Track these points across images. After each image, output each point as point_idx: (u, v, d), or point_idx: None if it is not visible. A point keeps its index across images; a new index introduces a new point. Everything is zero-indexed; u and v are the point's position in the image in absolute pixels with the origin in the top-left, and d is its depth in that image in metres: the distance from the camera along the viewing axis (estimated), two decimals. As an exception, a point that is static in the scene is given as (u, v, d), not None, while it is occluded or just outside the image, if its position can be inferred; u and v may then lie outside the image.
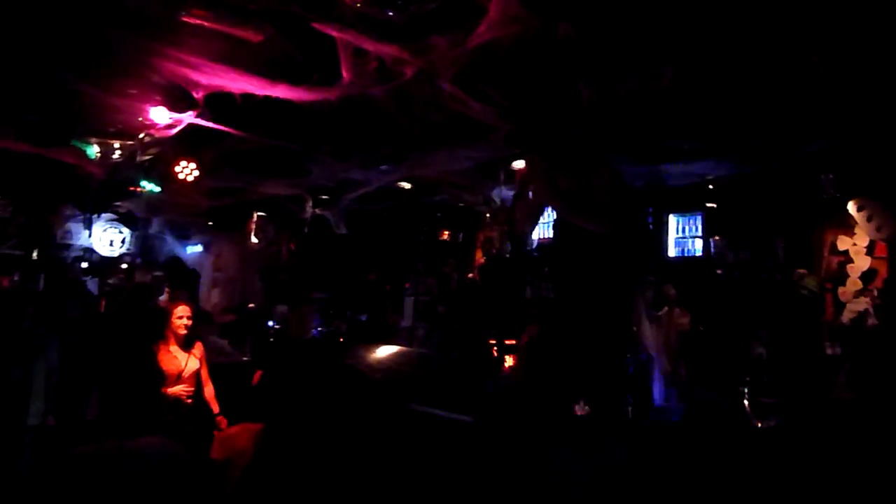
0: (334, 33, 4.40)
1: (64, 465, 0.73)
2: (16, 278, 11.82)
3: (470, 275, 9.93)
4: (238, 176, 7.73)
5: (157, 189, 7.24)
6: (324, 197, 8.88)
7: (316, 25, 4.28)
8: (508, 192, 8.41)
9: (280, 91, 5.09)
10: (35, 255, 10.72)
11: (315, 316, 8.64)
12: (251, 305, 10.10)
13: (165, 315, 4.91)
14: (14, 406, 4.82)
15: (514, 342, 8.15)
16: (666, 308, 7.65)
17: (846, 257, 7.30)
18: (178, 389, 4.73)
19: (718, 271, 7.84)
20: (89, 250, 11.99)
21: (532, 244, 9.33)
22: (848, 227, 7.21)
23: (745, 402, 5.30)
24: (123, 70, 5.08)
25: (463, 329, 8.11)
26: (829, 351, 6.65)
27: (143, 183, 7.19)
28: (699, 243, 8.53)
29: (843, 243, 7.30)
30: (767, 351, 6.58)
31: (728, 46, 4.45)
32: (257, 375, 5.53)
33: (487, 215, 9.54)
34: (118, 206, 10.39)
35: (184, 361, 4.81)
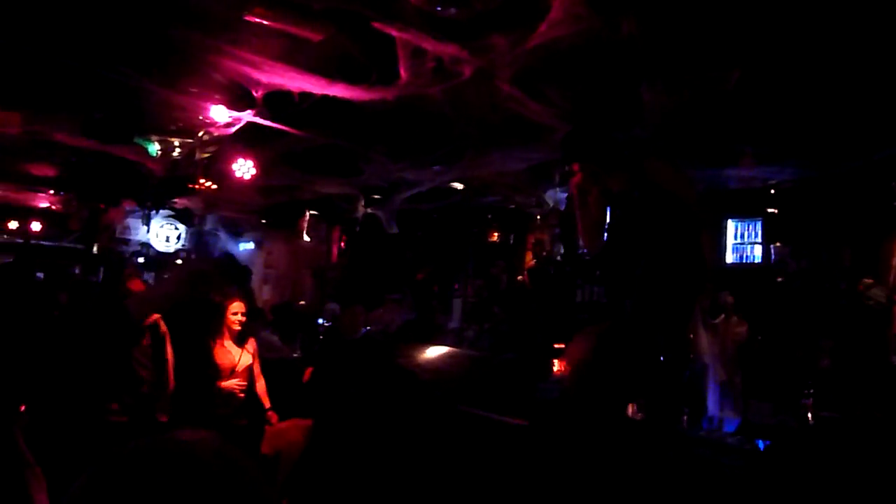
0: (394, 32, 4.38)
1: (120, 458, 0.71)
2: (76, 271, 12.25)
3: (519, 277, 9.83)
4: (292, 174, 7.81)
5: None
6: (376, 196, 8.91)
7: (376, 25, 4.27)
8: (562, 194, 8.30)
9: (338, 90, 5.10)
10: (95, 249, 11.06)
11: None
12: (302, 303, 10.21)
13: (221, 310, 4.97)
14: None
15: (563, 346, 8.04)
16: (723, 316, 7.43)
17: (916, 267, 6.98)
18: (232, 383, 4.78)
19: (779, 279, 7.57)
20: (146, 245, 12.35)
21: (583, 247, 9.19)
22: (918, 235, 6.90)
23: (808, 415, 5.10)
24: (186, 68, 5.15)
25: (514, 331, 8.04)
26: (896, 362, 6.35)
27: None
28: (758, 249, 8.26)
29: (913, 253, 6.98)
30: (832, 363, 6.33)
31: (796, 47, 4.28)
32: (308, 372, 5.57)
33: (538, 217, 9.43)
34: (175, 202, 10.64)
35: (237, 356, 4.86)
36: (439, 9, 3.61)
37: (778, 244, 7.79)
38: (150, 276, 10.74)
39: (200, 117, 6.07)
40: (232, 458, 0.77)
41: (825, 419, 4.95)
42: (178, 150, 7.07)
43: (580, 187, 3.62)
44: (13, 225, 12.66)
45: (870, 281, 7.03)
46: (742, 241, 8.45)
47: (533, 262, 9.62)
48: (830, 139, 5.65)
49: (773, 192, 7.47)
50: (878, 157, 5.84)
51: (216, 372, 4.76)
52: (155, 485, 0.73)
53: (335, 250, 11.96)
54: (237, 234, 13.27)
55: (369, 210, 9.25)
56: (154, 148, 7.03)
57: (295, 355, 7.39)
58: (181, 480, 0.73)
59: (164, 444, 0.77)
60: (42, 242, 12.78)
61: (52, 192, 10.49)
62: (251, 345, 5.02)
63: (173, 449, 0.76)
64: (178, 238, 12.54)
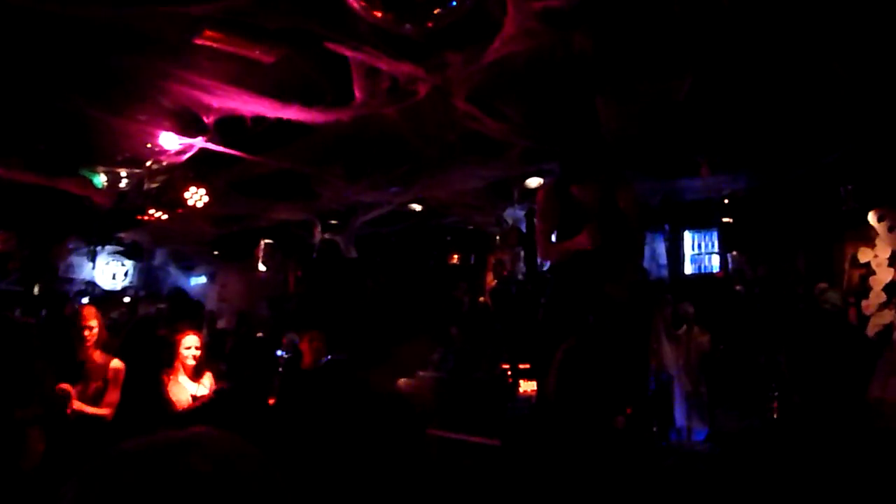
0: (348, 52, 4.41)
1: (110, 462, 0.68)
2: (17, 314, 11.82)
3: (481, 298, 9.87)
4: (246, 202, 7.73)
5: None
6: (333, 221, 8.87)
7: (329, 45, 4.30)
8: (520, 212, 8.40)
9: (292, 113, 5.09)
10: (37, 289, 10.71)
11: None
12: (259, 335, 10.03)
13: (173, 345, 4.88)
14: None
15: (528, 366, 8.07)
16: (685, 327, 7.57)
17: (868, 269, 7.25)
18: (191, 420, 4.67)
19: (738, 287, 7.77)
20: (92, 284, 12.00)
21: (544, 265, 9.29)
22: (869, 238, 7.18)
23: (774, 417, 5.23)
24: (133, 94, 5.09)
25: (477, 352, 8.04)
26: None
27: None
28: (716, 259, 8.47)
29: (865, 255, 7.26)
30: (793, 368, 6.50)
31: (745, 55, 4.46)
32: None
33: (498, 237, 9.51)
34: (122, 237, 10.41)
35: (194, 392, 4.76)
36: (393, 23, 3.66)
37: (735, 253, 8.01)
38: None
39: (149, 146, 5.98)
40: (239, 451, 0.77)
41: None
42: (125, 180, 6.94)
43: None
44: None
45: (824, 285, 7.28)
46: (700, 252, 8.66)
47: (494, 282, 9.68)
48: (779, 146, 5.87)
49: (727, 201, 7.68)
50: (826, 161, 6.07)
51: (171, 409, 4.64)
52: (154, 485, 0.71)
53: (292, 279, 11.82)
54: (188, 268, 13.02)
55: (326, 236, 9.20)
56: (100, 179, 6.88)
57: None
58: (184, 478, 0.72)
59: (161, 441, 0.76)
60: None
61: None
62: (208, 379, 4.92)
63: (172, 445, 0.75)
64: (126, 275, 12.23)
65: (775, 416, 4.72)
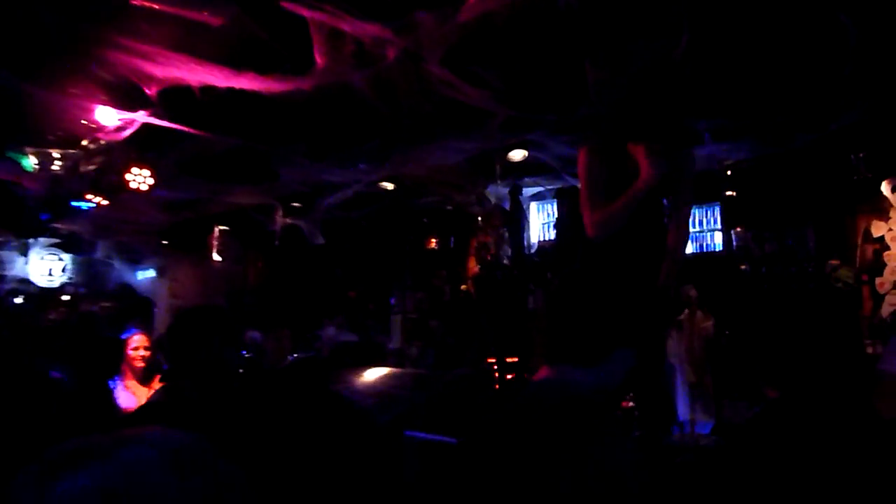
0: (305, 12, 4.34)
1: (49, 464, 0.67)
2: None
3: (463, 286, 9.88)
4: (198, 185, 7.63)
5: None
6: (296, 204, 8.80)
7: (285, 4, 4.23)
8: (504, 189, 8.40)
9: (246, 82, 5.02)
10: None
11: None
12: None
13: (120, 347, 4.82)
14: None
15: (516, 360, 8.11)
16: (687, 311, 7.65)
17: (882, 244, 7.33)
18: (140, 429, 4.63)
19: (743, 267, 7.84)
20: (25, 281, 11.82)
21: (531, 247, 9.32)
22: (882, 211, 7.26)
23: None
24: (64, 65, 4.98)
25: (460, 345, 8.06)
26: (869, 350, 6.64)
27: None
28: (719, 236, 8.54)
29: (878, 229, 7.33)
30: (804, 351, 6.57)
31: (747, 8, 4.46)
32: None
33: (480, 218, 9.51)
34: (59, 227, 10.24)
35: (143, 398, 4.71)
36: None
37: (739, 229, 8.05)
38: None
39: (85, 122, 5.86)
40: (192, 447, 0.75)
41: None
42: (58, 163, 6.81)
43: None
44: None
45: (836, 262, 7.37)
46: (701, 229, 8.72)
47: (477, 268, 9.69)
48: (786, 111, 5.89)
49: (729, 172, 7.72)
50: (835, 128, 6.11)
51: (119, 417, 4.60)
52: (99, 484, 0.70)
53: (252, 271, 11.74)
54: (135, 262, 12.87)
55: (289, 221, 9.13)
56: (30, 162, 6.75)
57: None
58: (131, 477, 0.70)
59: (102, 441, 0.74)
60: None
61: None
62: (158, 383, 4.87)
63: (115, 444, 0.73)
64: (64, 270, 12.07)
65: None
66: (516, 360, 7.99)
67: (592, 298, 1.89)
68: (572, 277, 1.99)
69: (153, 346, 4.92)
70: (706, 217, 8.67)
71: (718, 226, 8.52)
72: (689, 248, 8.78)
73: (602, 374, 1.85)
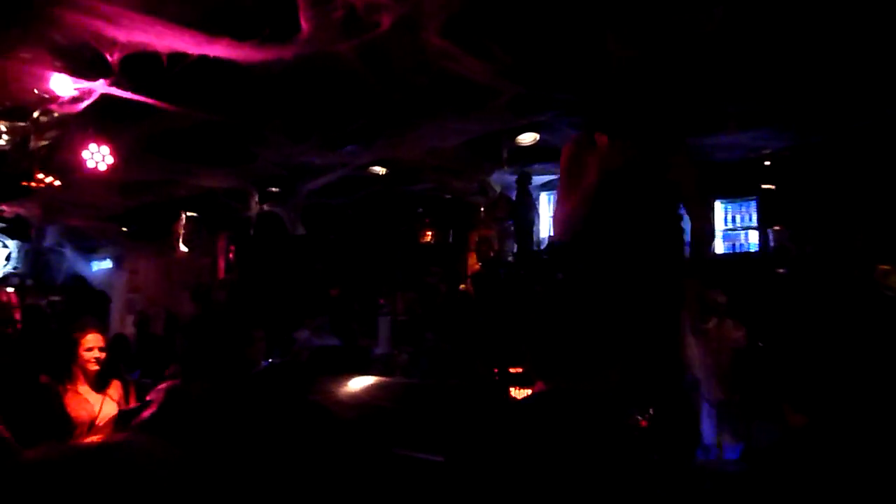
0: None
1: (10, 476, 0.71)
2: None
3: (462, 285, 9.92)
4: (162, 165, 7.67)
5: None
6: (273, 189, 8.84)
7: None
8: (510, 176, 8.43)
9: (220, 49, 5.05)
10: None
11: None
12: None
13: (71, 347, 4.83)
14: None
15: (520, 370, 8.14)
16: (715, 319, 7.67)
17: (940, 248, 7.36)
18: (93, 441, 4.65)
19: (779, 270, 7.87)
20: (-36, 270, 11.90)
21: (541, 243, 9.36)
22: (943, 209, 7.28)
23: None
24: (15, 26, 5.01)
25: (456, 352, 8.09)
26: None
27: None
28: (754, 235, 8.57)
29: (938, 230, 7.36)
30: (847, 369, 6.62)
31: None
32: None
33: (482, 209, 9.55)
34: (3, 210, 10.28)
35: (97, 405, 4.73)
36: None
37: (777, 228, 8.08)
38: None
39: (36, 91, 5.89)
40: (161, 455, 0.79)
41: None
42: (5, 137, 6.84)
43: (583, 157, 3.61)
44: None
45: (886, 267, 7.39)
46: (734, 227, 8.73)
47: (478, 265, 9.72)
48: (832, 93, 5.91)
49: (767, 163, 7.74)
50: (890, 113, 6.13)
51: (70, 427, 4.61)
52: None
53: (222, 263, 11.78)
54: (89, 251, 12.92)
55: (266, 208, 9.17)
56: (-28, 136, 6.80)
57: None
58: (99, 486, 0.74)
59: (68, 451, 0.77)
60: None
61: None
62: (115, 389, 4.88)
63: (82, 454, 0.77)
64: (9, 258, 12.14)
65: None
66: (520, 370, 8.03)
67: (578, 310, 1.93)
68: (556, 287, 2.06)
69: (108, 347, 4.93)
70: (740, 213, 8.68)
71: (754, 223, 8.55)
72: (720, 248, 8.83)
73: (596, 390, 1.89)
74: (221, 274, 11.75)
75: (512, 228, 9.16)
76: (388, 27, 4.94)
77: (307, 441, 2.90)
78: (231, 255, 11.74)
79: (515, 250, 9.12)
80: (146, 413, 3.98)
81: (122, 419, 3.81)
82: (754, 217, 8.56)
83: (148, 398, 4.60)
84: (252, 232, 9.83)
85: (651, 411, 4.22)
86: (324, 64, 5.41)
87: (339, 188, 8.70)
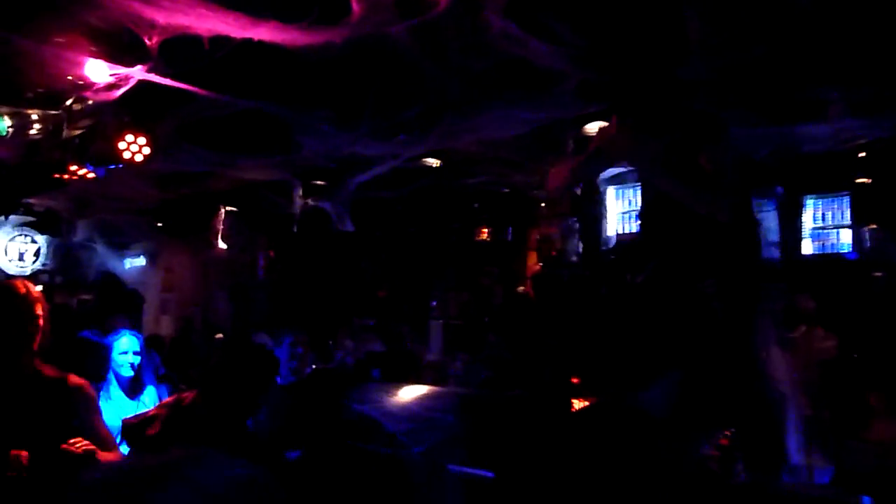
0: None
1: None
2: None
3: (521, 287, 9.88)
4: (201, 155, 7.74)
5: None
6: (319, 182, 8.87)
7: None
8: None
9: (265, 32, 5.08)
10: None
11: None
12: (219, 336, 10.15)
13: (103, 351, 4.90)
14: None
15: (578, 381, 8.07)
16: (803, 327, 7.54)
17: None
18: (130, 453, 4.72)
19: (876, 274, 7.71)
20: (-10, 268, 12.15)
21: (608, 242, 9.28)
22: None
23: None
24: (48, 9, 5.09)
25: (517, 360, 8.06)
26: None
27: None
28: (847, 235, 8.42)
29: None
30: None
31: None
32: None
33: (544, 204, 9.50)
34: (33, 203, 10.48)
35: (132, 412, 4.80)
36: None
37: (873, 227, 7.93)
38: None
39: (70, 78, 5.98)
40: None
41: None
42: (37, 126, 6.96)
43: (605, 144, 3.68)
44: None
45: None
46: (824, 226, 8.60)
47: (538, 265, 9.68)
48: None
49: (862, 155, 7.59)
50: None
51: (101, 435, 4.69)
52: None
53: (262, 261, 11.89)
54: (122, 246, 13.12)
55: (310, 202, 9.21)
56: (3, 125, 6.92)
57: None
58: None
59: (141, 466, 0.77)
60: None
61: None
62: (151, 396, 4.96)
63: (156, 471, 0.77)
64: (38, 254, 12.36)
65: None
66: (578, 381, 7.97)
67: (649, 315, 1.92)
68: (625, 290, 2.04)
69: (143, 351, 4.99)
70: (832, 210, 8.55)
71: (847, 222, 8.41)
72: (808, 249, 8.67)
73: (649, 401, 1.87)
74: (261, 274, 11.87)
75: (576, 226, 9.11)
76: (446, 7, 4.93)
77: (354, 454, 2.90)
78: (271, 253, 11.85)
79: (580, 250, 9.06)
80: (151, 431, 4.03)
81: (125, 432, 3.83)
82: (847, 214, 8.44)
83: (151, 413, 4.66)
84: (295, 228, 9.89)
85: (732, 429, 4.16)
86: (375, 48, 5.42)
87: (388, 181, 8.71)
